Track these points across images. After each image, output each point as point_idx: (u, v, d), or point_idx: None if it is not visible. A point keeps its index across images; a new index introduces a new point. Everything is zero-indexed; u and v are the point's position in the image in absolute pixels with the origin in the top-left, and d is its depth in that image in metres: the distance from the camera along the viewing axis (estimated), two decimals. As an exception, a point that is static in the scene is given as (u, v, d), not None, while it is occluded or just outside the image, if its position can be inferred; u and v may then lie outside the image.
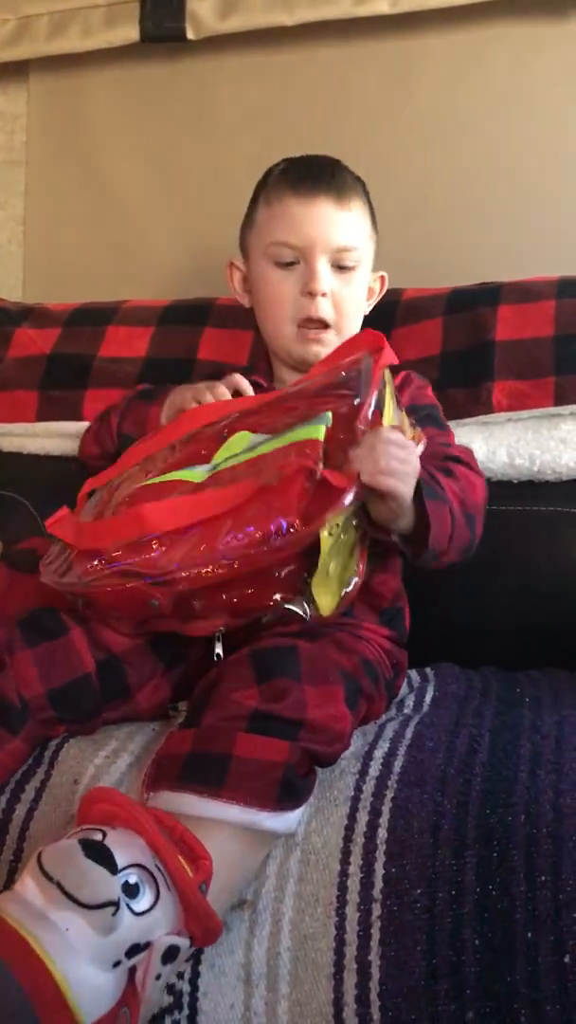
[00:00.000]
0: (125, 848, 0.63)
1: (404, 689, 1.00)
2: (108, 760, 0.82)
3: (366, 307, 1.15)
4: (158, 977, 0.62)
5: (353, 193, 1.08)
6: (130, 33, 1.50)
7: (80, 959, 0.58)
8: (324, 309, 1.05)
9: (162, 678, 0.89)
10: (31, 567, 0.95)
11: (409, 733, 0.84)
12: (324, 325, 1.07)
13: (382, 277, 1.17)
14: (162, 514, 0.82)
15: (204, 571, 0.78)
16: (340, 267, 1.06)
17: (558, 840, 0.69)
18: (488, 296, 1.25)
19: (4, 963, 0.57)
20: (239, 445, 0.88)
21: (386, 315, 1.28)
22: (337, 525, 0.80)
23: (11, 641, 0.84)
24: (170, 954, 0.62)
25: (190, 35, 1.48)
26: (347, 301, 1.07)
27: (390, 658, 0.95)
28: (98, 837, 0.63)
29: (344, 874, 0.71)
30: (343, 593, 0.82)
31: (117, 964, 0.60)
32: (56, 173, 1.60)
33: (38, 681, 0.82)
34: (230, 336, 1.32)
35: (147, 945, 0.61)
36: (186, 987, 0.69)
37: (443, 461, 0.97)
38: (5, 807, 0.79)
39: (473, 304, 1.25)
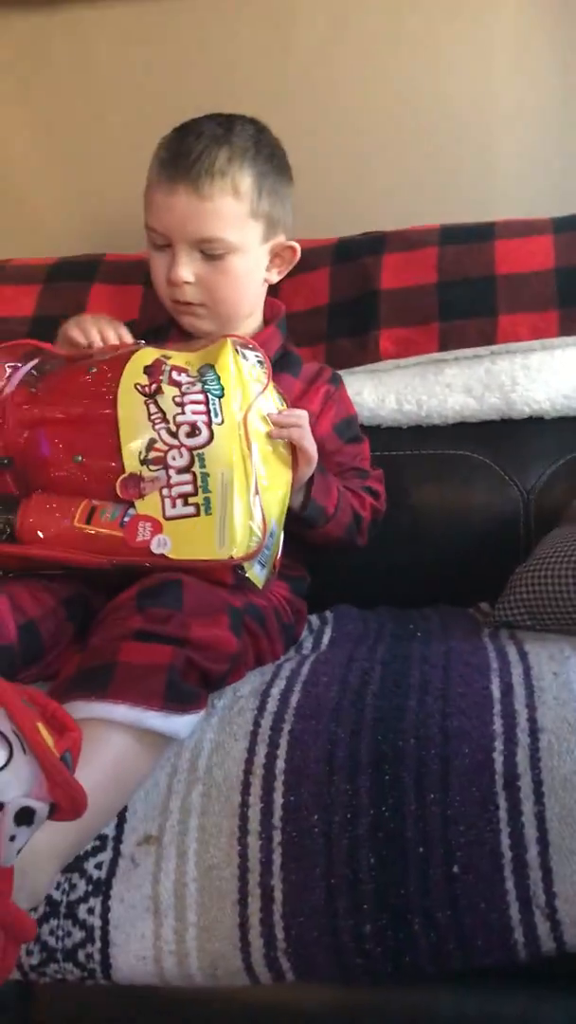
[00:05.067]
0: None
1: (304, 632, 1.04)
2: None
3: (269, 278, 1.11)
4: (12, 839, 0.61)
5: (221, 180, 1.00)
6: (5, -20, 1.45)
7: None
8: (190, 294, 1.04)
9: (74, 641, 0.90)
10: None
11: (305, 670, 0.87)
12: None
13: (292, 248, 1.10)
14: None
15: None
16: (208, 254, 1.03)
17: (446, 760, 0.73)
18: (373, 245, 1.26)
19: None
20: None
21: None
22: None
23: None
24: (24, 815, 0.61)
25: (67, -18, 1.44)
26: (219, 287, 1.04)
27: (290, 606, 0.98)
28: None
29: (245, 804, 0.74)
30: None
31: None
32: None
33: None
34: (119, 291, 1.31)
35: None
36: (97, 921, 0.71)
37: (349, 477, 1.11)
38: None
39: (358, 253, 1.27)
